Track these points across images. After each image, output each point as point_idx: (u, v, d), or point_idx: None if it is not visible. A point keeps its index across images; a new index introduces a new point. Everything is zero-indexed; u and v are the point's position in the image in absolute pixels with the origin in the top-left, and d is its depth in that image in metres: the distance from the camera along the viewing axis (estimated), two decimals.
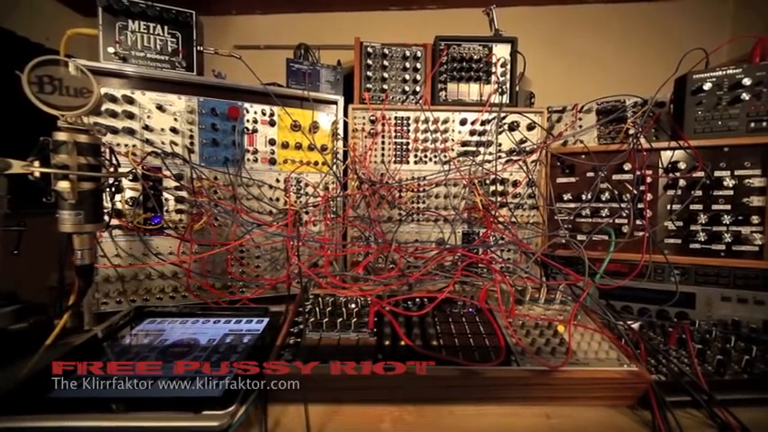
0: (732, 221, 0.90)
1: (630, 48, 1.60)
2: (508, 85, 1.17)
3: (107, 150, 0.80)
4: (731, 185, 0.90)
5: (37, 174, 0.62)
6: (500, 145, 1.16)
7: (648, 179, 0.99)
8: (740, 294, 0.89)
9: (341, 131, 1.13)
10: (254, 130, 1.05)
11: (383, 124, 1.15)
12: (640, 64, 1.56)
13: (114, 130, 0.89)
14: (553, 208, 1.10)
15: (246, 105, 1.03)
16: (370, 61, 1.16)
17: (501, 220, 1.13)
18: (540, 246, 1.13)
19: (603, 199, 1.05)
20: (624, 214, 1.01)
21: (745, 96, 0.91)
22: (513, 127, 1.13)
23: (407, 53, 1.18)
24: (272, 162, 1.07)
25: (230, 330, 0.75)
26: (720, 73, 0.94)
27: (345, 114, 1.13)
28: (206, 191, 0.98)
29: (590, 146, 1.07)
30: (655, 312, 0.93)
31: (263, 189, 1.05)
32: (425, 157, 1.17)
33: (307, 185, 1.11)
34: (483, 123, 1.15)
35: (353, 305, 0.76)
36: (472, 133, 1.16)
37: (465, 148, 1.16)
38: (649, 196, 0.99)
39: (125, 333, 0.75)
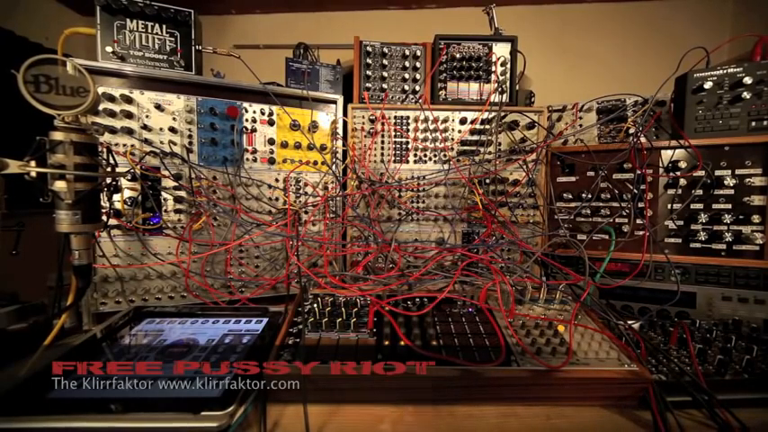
0: (733, 221, 0.90)
1: (631, 47, 1.59)
2: (508, 84, 1.17)
3: (105, 150, 0.80)
4: (732, 185, 0.90)
5: (33, 174, 0.62)
6: (500, 144, 1.16)
7: (649, 178, 0.98)
8: (741, 294, 0.89)
9: (340, 131, 1.12)
10: (254, 130, 1.04)
11: (383, 123, 1.14)
12: (641, 63, 1.56)
13: (113, 130, 0.89)
14: (553, 207, 1.09)
15: (245, 105, 1.03)
16: (369, 60, 1.16)
17: (501, 219, 1.12)
18: (540, 245, 1.13)
19: (604, 198, 1.04)
20: (624, 213, 1.01)
21: (746, 95, 0.90)
22: (512, 126, 1.13)
23: (407, 52, 1.17)
24: (272, 161, 1.07)
25: (229, 330, 0.75)
26: (721, 72, 0.93)
27: (345, 114, 1.13)
28: (205, 191, 0.98)
29: (590, 145, 1.07)
30: (655, 312, 0.93)
31: (262, 189, 1.05)
32: (425, 156, 1.17)
33: (306, 185, 1.11)
34: (483, 122, 1.15)
35: (353, 305, 0.76)
36: (472, 132, 1.15)
37: (465, 148, 1.16)
38: (650, 195, 0.99)
39: (124, 333, 0.75)
